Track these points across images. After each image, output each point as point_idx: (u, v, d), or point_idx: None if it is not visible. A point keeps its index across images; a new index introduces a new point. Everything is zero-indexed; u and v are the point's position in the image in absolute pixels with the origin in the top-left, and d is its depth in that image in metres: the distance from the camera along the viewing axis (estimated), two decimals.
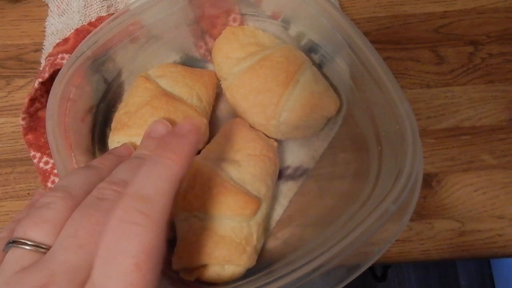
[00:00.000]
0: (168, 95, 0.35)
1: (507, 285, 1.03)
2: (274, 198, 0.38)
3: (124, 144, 0.33)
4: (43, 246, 0.20)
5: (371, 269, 0.93)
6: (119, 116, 0.36)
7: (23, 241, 0.20)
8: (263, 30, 0.40)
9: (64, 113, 0.33)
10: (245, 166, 0.34)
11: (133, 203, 0.20)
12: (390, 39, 0.43)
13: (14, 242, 0.21)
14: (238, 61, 0.37)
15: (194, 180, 0.33)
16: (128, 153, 0.31)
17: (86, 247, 0.20)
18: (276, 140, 0.37)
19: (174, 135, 0.24)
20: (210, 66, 0.41)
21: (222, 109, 0.41)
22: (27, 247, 0.20)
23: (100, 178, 0.25)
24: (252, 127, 0.37)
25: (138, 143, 0.34)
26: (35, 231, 0.21)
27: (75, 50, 0.34)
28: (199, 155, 0.36)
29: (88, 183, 0.24)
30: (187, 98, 0.36)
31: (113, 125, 0.36)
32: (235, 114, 0.39)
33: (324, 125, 0.38)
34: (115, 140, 0.35)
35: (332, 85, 0.38)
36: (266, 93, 0.35)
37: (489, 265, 1.11)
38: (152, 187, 0.21)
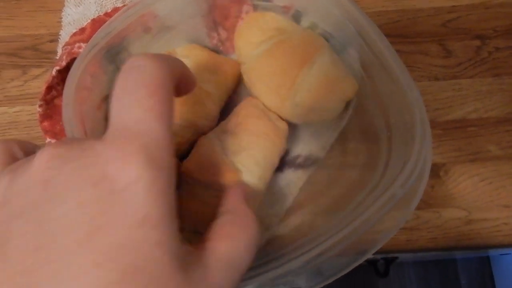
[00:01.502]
0: None
1: (507, 284, 1.03)
2: (284, 186, 0.38)
3: None
4: None
5: (374, 265, 0.94)
6: None
7: None
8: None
9: (80, 101, 0.34)
10: (239, 139, 0.34)
11: None
12: (399, 32, 0.44)
13: None
14: (256, 45, 0.37)
15: (195, 150, 0.34)
16: None
17: None
18: (292, 124, 0.37)
19: None
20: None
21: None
22: None
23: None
24: (268, 109, 0.38)
25: None
26: None
27: (91, 39, 0.35)
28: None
29: None
30: (204, 83, 0.37)
31: None
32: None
33: (342, 109, 0.38)
34: None
35: None
36: (282, 74, 0.35)
37: (489, 264, 1.12)
38: None
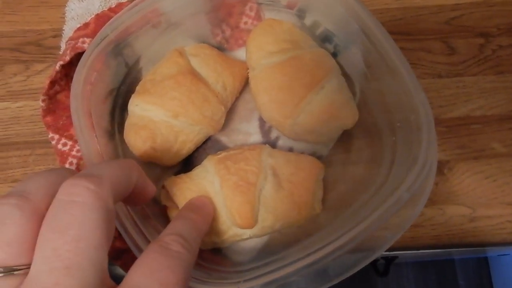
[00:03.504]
0: (194, 75, 0.36)
1: (505, 284, 1.04)
2: None
3: None
4: (19, 268, 0.18)
5: (374, 264, 0.94)
6: (144, 81, 0.37)
7: None
8: (300, 28, 0.40)
9: (88, 95, 0.33)
10: None
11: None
12: (402, 30, 0.44)
13: None
14: (269, 54, 0.37)
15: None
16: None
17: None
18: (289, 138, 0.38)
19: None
20: (227, 54, 0.42)
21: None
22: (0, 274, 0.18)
23: (64, 178, 0.21)
24: (265, 121, 0.38)
25: (154, 110, 0.35)
26: (2, 256, 0.18)
27: (98, 33, 0.35)
28: None
29: (49, 184, 0.20)
30: (212, 83, 0.37)
31: (137, 88, 0.37)
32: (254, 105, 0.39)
33: (338, 136, 0.39)
34: (133, 103, 0.36)
35: (346, 74, 0.39)
36: (289, 92, 0.35)
37: (487, 264, 1.12)
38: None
